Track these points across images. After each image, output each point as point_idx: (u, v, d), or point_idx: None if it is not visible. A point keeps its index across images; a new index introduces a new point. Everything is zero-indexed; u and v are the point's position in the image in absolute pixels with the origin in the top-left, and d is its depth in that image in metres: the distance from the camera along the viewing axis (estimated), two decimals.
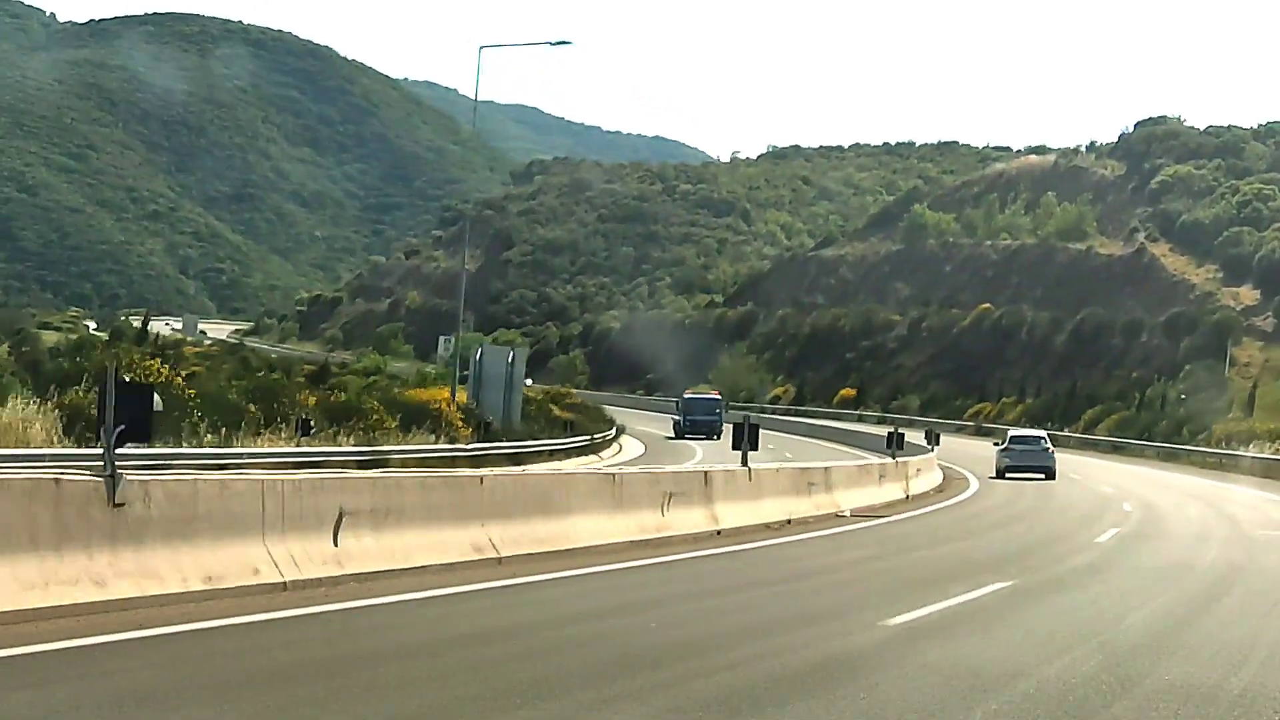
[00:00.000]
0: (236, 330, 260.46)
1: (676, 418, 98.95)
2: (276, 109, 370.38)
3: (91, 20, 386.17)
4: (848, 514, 38.74)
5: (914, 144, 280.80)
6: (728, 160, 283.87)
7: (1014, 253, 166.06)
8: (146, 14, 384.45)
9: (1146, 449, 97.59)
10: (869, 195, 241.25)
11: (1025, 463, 64.25)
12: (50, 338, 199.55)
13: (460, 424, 58.08)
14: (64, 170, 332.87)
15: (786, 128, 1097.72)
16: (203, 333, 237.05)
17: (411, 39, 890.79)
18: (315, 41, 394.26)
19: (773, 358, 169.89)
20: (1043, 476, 62.84)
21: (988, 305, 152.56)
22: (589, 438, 75.06)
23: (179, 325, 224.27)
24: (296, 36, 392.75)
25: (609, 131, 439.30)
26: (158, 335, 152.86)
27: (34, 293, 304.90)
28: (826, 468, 42.03)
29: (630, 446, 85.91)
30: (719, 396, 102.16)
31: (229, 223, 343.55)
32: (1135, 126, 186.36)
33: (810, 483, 38.19)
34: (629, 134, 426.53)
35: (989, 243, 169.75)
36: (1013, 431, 75.03)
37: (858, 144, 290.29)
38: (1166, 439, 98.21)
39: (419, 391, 69.28)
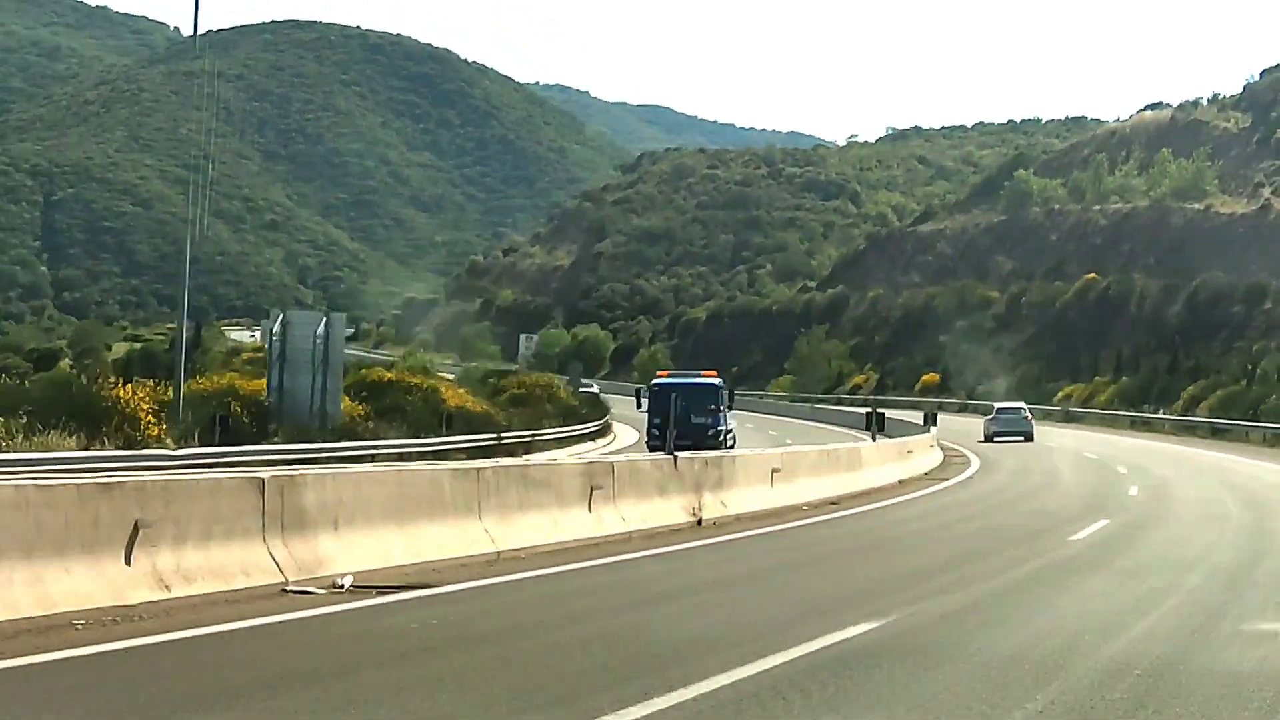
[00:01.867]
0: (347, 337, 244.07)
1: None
2: (395, 114, 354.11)
3: (210, 31, 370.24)
4: (804, 507, 30.39)
5: (1039, 120, 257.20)
6: (842, 144, 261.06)
7: (1125, 217, 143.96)
8: (264, 23, 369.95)
9: (1253, 431, 75.56)
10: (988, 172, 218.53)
11: (1008, 429, 73.60)
12: (120, 349, 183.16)
13: (151, 421, 38.22)
14: (180, 182, 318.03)
15: (908, 110, 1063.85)
16: None
17: (539, 41, 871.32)
18: (434, 45, 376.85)
19: (862, 342, 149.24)
20: (1022, 439, 71.66)
21: (1094, 275, 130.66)
22: (494, 437, 54.52)
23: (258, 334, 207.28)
24: (415, 40, 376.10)
25: (742, 128, 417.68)
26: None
27: (151, 306, 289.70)
28: (781, 454, 33.37)
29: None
30: (717, 381, 56.64)
31: (347, 230, 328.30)
32: (1262, 74, 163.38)
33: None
34: (762, 129, 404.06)
35: (1097, 207, 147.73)
36: (998, 405, 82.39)
37: (981, 122, 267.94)
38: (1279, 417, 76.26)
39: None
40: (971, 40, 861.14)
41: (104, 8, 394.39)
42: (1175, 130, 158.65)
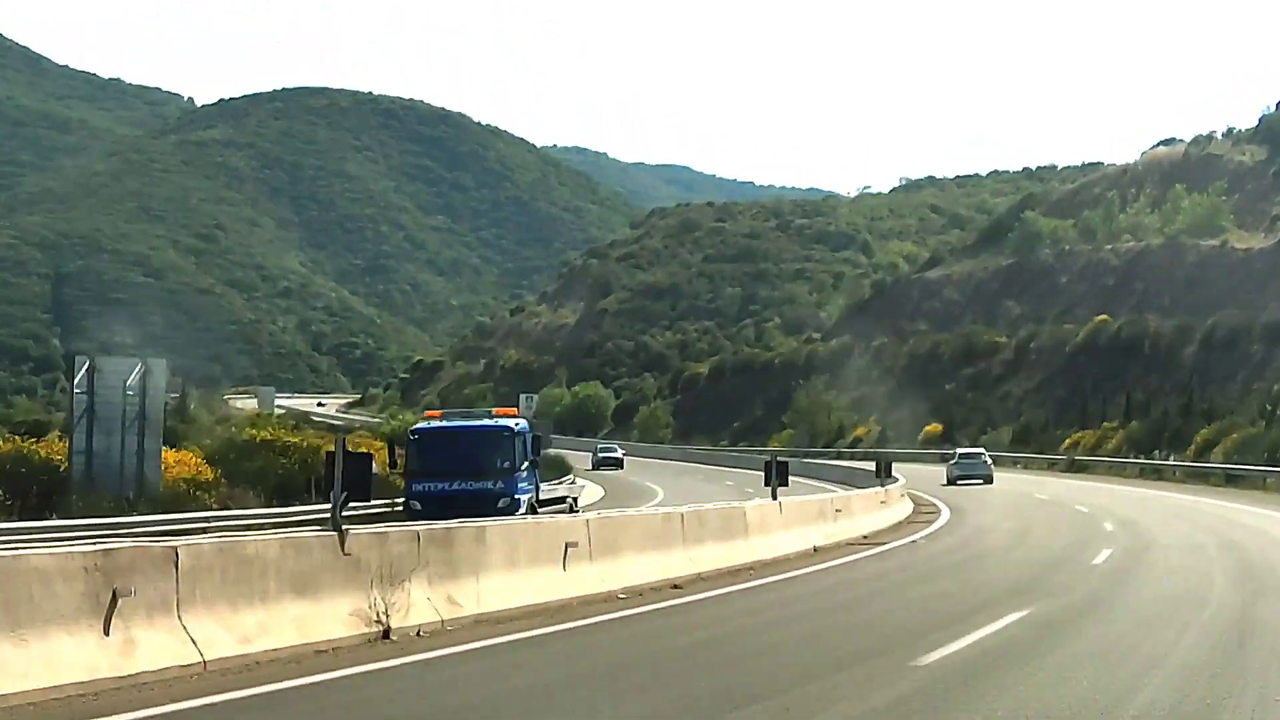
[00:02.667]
0: (347, 404, 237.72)
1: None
2: (409, 178, 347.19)
3: (221, 100, 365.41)
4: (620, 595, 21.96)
5: (1055, 167, 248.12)
6: (854, 195, 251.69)
7: (1138, 255, 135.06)
8: (275, 90, 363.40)
9: (1270, 477, 66.62)
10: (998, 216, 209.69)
11: (970, 473, 76.06)
12: None
13: None
14: (192, 251, 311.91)
15: (922, 161, 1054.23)
16: (320, 404, 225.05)
17: (554, 103, 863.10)
18: (448, 108, 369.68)
19: (866, 394, 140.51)
20: (981, 481, 74.43)
21: (1104, 317, 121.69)
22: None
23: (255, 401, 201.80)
24: (428, 104, 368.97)
25: (761, 185, 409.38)
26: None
27: (167, 380, 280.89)
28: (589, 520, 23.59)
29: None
30: (514, 423, 39.93)
31: (363, 296, 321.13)
32: (1278, 106, 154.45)
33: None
34: (781, 186, 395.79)
35: (1109, 247, 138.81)
36: (960, 450, 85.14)
37: (995, 171, 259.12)
38: None
39: None
40: (986, 89, 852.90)
41: (117, 79, 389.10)
42: (1189, 165, 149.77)
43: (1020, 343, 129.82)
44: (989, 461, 78.83)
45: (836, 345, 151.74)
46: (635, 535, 23.77)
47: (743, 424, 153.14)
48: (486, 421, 39.56)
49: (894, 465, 56.80)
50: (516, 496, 36.83)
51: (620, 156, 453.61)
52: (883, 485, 48.65)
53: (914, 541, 36.82)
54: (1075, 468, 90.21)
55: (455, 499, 34.66)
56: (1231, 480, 69.64)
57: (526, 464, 37.92)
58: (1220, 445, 76.78)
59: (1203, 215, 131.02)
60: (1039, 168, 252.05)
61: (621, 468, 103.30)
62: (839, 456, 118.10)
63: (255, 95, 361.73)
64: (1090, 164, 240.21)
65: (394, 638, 16.33)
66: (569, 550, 20.98)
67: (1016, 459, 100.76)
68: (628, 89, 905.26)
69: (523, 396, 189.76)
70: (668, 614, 20.10)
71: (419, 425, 39.92)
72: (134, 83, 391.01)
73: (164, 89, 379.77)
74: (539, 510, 37.42)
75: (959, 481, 74.18)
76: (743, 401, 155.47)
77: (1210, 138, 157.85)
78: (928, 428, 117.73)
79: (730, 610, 21.01)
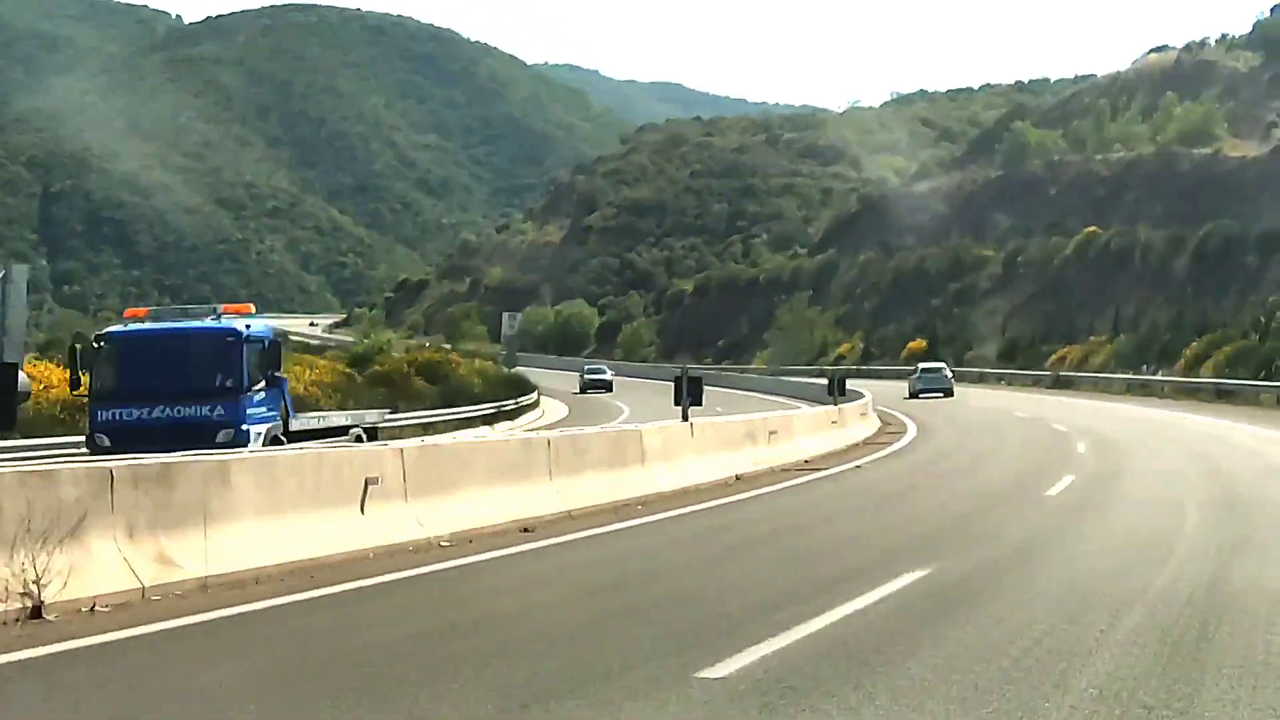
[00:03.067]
0: (333, 324, 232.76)
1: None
2: (400, 95, 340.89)
3: (209, 17, 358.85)
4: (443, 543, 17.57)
5: (1049, 79, 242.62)
6: (843, 110, 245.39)
7: (1128, 165, 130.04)
8: (263, 8, 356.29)
9: (1264, 392, 62.16)
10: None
11: (930, 386, 76.95)
12: None
13: None
14: (181, 170, 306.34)
15: (912, 75, 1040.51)
16: (312, 324, 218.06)
17: (545, 19, 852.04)
18: (437, 25, 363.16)
19: (850, 310, 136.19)
20: (941, 395, 75.21)
21: (1094, 229, 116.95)
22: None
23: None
24: (417, 21, 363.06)
25: (754, 103, 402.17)
26: None
27: (153, 298, 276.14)
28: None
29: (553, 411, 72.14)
30: (240, 326, 28.14)
31: (353, 215, 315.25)
32: (1273, 11, 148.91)
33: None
34: (775, 104, 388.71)
35: (1099, 157, 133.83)
36: (921, 365, 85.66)
37: (988, 84, 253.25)
38: None
39: None
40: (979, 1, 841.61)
41: None
42: (1181, 73, 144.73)
43: (1008, 256, 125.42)
44: (949, 375, 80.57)
45: (822, 260, 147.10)
46: (479, 467, 19.20)
47: (727, 342, 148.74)
48: (201, 324, 28.63)
49: (874, 383, 52.73)
50: (245, 427, 26.99)
51: (613, 74, 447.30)
52: (835, 404, 43.87)
53: (858, 466, 32.25)
54: (1060, 384, 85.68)
55: (153, 431, 26.08)
56: (1223, 395, 65.20)
57: (262, 382, 27.70)
58: (1211, 359, 72.16)
59: (1196, 123, 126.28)
60: (1031, 80, 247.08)
61: (610, 390, 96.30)
62: (821, 375, 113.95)
63: (244, 12, 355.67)
64: (1083, 76, 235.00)
65: (49, 616, 11.80)
66: (369, 488, 16.41)
67: (1001, 375, 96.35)
68: (619, 4, 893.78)
69: (505, 315, 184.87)
70: (473, 571, 15.56)
71: (109, 329, 29.51)
72: (122, 0, 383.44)
73: (151, 6, 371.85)
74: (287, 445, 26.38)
75: (921, 394, 75.35)
76: (728, 319, 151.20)
77: (1204, 44, 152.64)
78: (911, 344, 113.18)
79: (562, 563, 16.47)
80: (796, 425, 35.94)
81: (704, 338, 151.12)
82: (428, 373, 63.80)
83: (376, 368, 62.12)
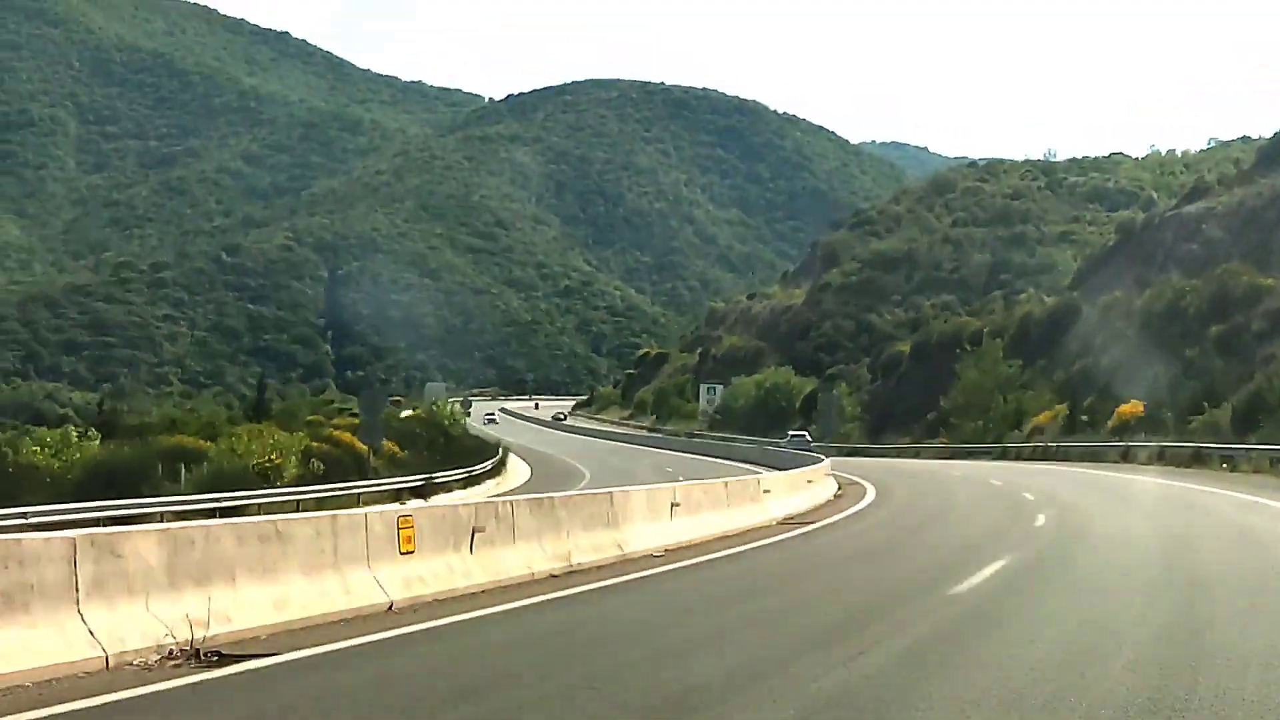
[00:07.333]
0: (575, 403, 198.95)
1: None
2: (701, 170, 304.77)
3: (509, 95, 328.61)
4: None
5: None
6: (1148, 151, 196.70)
7: None
8: (564, 83, 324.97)
9: None
10: None
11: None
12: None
13: None
14: (471, 251, 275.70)
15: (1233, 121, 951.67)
16: (536, 406, 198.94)
17: (861, 92, 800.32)
18: (742, 97, 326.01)
19: (1086, 366, 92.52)
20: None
21: None
22: None
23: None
24: (722, 93, 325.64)
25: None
26: None
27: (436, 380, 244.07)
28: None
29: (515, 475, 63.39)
30: None
31: (649, 294, 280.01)
32: None
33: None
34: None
35: None
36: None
37: None
38: None
39: None
40: None
41: (419, 82, 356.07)
42: None
43: None
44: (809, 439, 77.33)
45: (1054, 306, 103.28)
46: None
47: (938, 415, 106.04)
48: None
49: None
50: None
51: (941, 150, 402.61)
52: None
53: None
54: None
55: None
56: None
57: None
58: None
59: None
60: None
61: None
62: (1003, 455, 72.29)
63: (544, 89, 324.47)
64: None
65: None
66: None
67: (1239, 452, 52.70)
68: (937, 76, 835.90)
69: (703, 388, 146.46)
70: None
71: None
72: (435, 84, 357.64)
73: (464, 90, 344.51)
74: None
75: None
76: (947, 384, 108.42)
77: None
78: (1121, 408, 69.18)
79: None
80: None
81: (915, 408, 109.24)
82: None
83: None
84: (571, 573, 16.23)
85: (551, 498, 16.88)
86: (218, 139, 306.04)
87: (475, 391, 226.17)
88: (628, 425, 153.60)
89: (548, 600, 14.24)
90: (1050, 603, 14.80)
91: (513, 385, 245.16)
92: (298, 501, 34.51)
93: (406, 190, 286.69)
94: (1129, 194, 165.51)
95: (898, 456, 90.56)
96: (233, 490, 32.91)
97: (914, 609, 14.22)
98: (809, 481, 34.91)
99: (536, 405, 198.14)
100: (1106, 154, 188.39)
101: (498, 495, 47.18)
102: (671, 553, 19.14)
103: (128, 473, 34.31)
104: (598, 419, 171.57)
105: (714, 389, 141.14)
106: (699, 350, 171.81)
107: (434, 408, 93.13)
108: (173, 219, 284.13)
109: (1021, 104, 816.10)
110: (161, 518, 29.10)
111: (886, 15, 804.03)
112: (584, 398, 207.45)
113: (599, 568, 17.14)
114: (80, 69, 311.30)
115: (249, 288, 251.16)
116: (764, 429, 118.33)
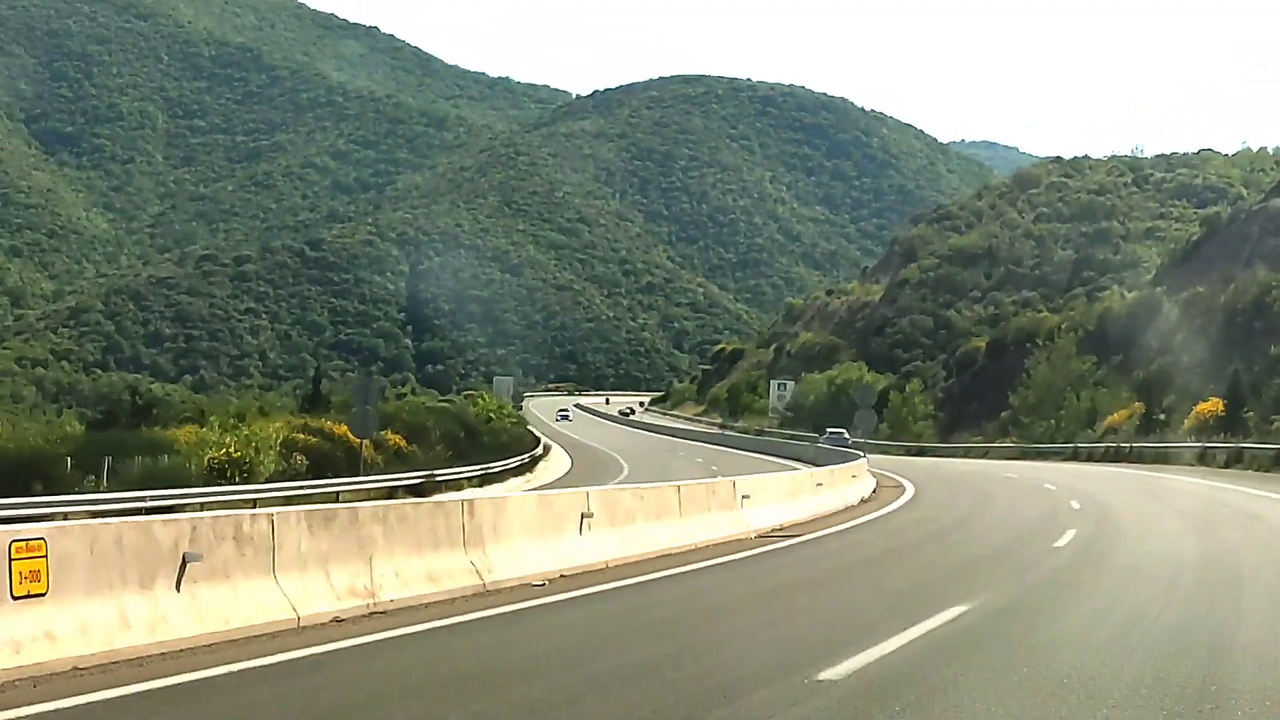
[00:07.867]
0: (651, 399, 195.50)
1: None
2: (786, 167, 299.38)
3: (595, 91, 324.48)
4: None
5: None
6: (1239, 148, 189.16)
7: None
8: (650, 79, 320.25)
9: None
10: None
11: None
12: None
13: None
14: (553, 247, 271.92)
15: None
16: (607, 401, 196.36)
17: (950, 91, 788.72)
18: (829, 94, 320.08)
19: (1166, 363, 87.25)
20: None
21: None
22: None
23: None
24: (808, 90, 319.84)
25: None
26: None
27: (515, 378, 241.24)
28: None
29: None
30: None
31: (732, 291, 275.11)
32: None
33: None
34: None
35: None
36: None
37: None
38: None
39: None
40: None
41: (506, 78, 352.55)
42: None
43: None
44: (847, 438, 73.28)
45: (1134, 301, 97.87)
46: None
47: (1011, 414, 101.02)
48: None
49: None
50: None
51: (1033, 151, 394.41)
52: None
53: None
54: None
55: None
56: None
57: None
58: None
59: None
60: None
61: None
62: (1074, 456, 67.53)
63: (630, 85, 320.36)
64: None
65: None
66: None
67: None
68: (1036, 77, 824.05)
69: (774, 384, 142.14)
70: None
71: None
72: (522, 80, 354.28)
73: (551, 86, 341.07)
74: None
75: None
76: (1021, 381, 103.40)
77: None
78: (1199, 406, 63.98)
79: None
80: None
81: (990, 405, 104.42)
82: None
83: None
84: (373, 614, 11.89)
85: (355, 508, 12.40)
86: (305, 134, 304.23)
87: (552, 386, 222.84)
88: (700, 421, 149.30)
89: (268, 665, 10.10)
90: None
91: (591, 381, 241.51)
92: (254, 500, 30.37)
93: (490, 186, 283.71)
94: (1217, 190, 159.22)
95: (965, 456, 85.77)
96: (165, 489, 28.76)
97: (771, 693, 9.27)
98: (819, 485, 30.42)
99: (607, 400, 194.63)
100: (1195, 150, 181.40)
101: (531, 489, 42.69)
102: (569, 579, 14.88)
103: (31, 464, 30.49)
104: (671, 415, 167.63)
105: (785, 385, 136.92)
106: (774, 346, 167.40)
107: (460, 399, 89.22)
108: (258, 213, 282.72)
109: (1112, 103, 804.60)
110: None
111: (980, 13, 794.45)
112: (660, 394, 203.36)
113: (426, 605, 12.78)
114: (169, 63, 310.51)
115: (331, 282, 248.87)
116: (823, 427, 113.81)
